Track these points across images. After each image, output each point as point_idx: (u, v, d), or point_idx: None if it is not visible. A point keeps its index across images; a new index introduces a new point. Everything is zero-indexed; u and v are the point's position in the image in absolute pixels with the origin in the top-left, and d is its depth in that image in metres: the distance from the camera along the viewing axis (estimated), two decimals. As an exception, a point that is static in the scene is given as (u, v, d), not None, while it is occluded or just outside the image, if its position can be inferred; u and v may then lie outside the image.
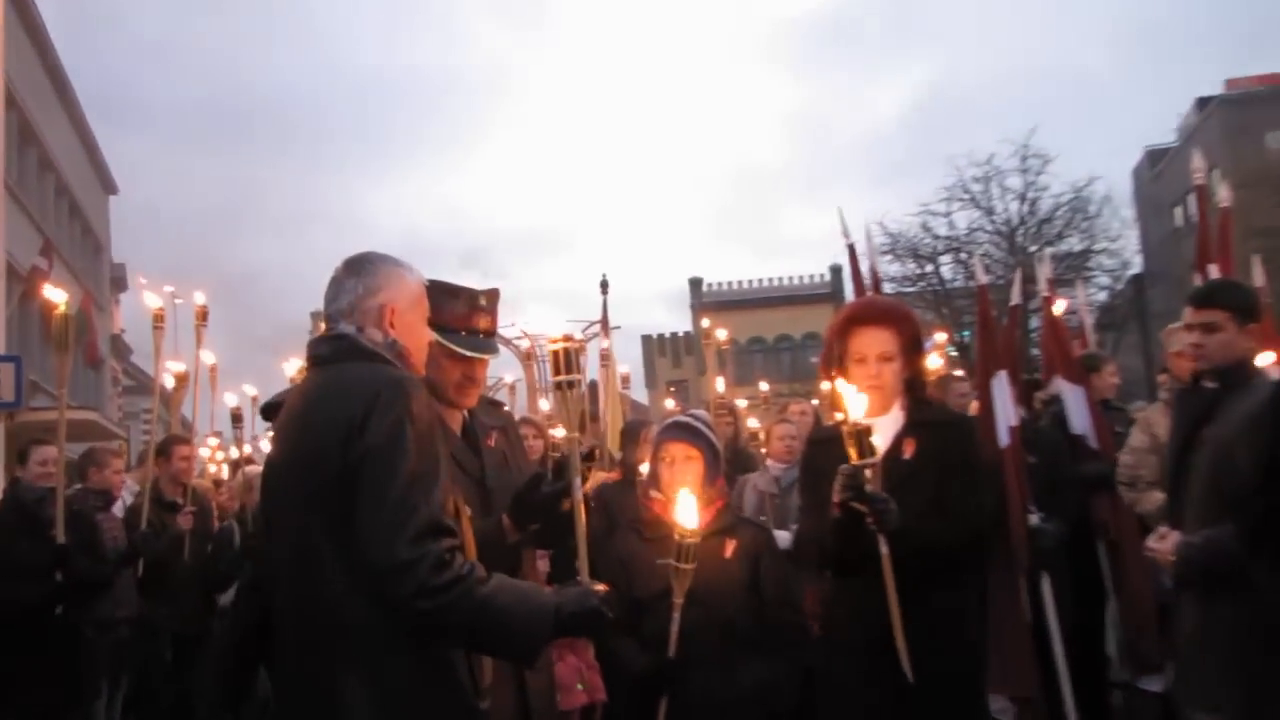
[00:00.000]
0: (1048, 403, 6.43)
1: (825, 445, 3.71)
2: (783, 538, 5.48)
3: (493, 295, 3.32)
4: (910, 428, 3.67)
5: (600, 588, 2.60)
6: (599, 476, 6.82)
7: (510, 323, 26.00)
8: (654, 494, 3.96)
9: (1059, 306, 6.90)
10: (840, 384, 3.47)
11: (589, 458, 3.14)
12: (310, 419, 2.45)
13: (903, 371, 3.72)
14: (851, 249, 6.65)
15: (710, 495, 3.89)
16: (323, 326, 2.69)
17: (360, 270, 2.66)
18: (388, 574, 2.24)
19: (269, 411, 4.04)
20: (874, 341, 3.71)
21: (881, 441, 3.57)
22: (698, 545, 3.21)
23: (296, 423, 2.51)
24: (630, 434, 6.28)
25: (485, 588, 2.34)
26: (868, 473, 3.27)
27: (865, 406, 3.48)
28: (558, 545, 3.17)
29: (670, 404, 7.98)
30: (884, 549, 3.31)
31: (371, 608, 2.30)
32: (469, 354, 3.20)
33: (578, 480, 2.82)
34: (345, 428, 2.33)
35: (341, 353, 2.57)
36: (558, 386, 2.83)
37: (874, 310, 3.92)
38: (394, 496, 2.28)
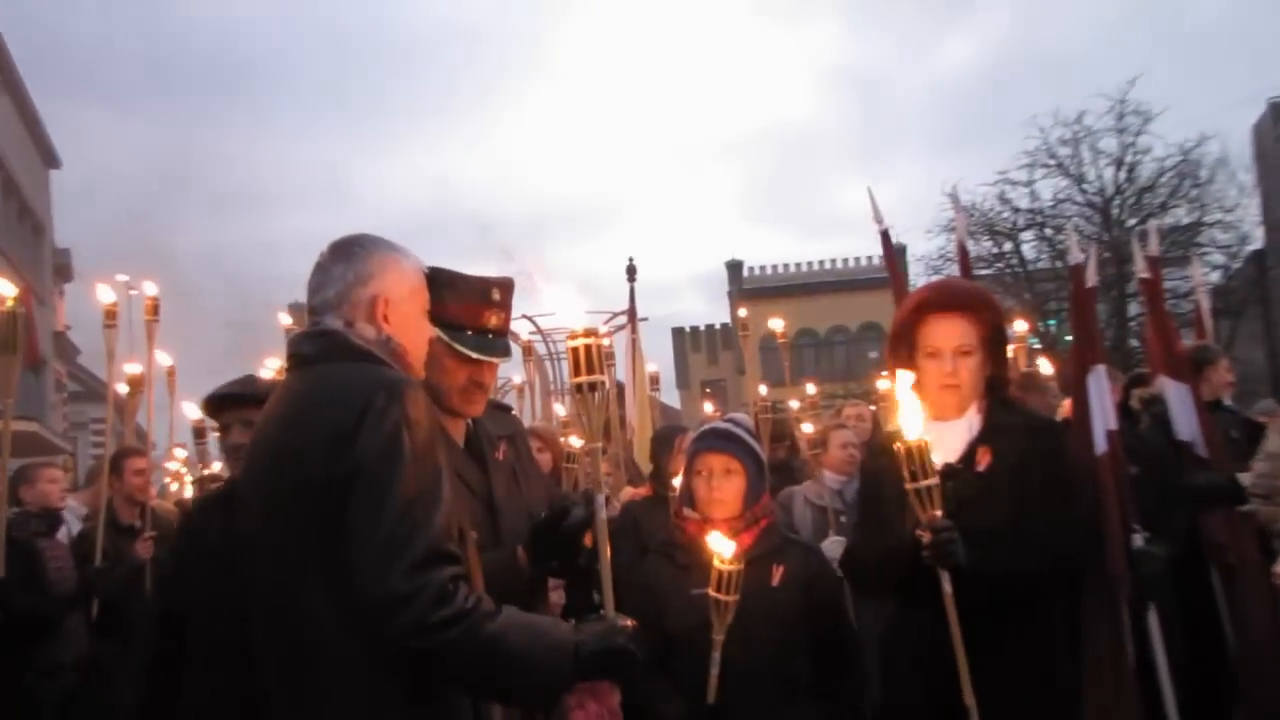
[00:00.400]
0: (1148, 403, 6.39)
1: (889, 455, 3.72)
2: (831, 547, 5.50)
3: (506, 286, 3.32)
4: (987, 434, 3.65)
5: (627, 623, 2.60)
6: (626, 492, 6.84)
7: (519, 314, 26.23)
8: (688, 513, 3.98)
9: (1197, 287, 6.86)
10: (900, 386, 3.44)
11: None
12: (291, 428, 2.46)
13: (983, 368, 3.70)
14: (885, 236, 6.56)
15: (755, 514, 3.91)
16: (305, 321, 2.71)
17: (349, 255, 2.66)
18: (380, 608, 2.24)
19: (217, 405, 4.08)
20: (950, 332, 3.69)
21: (951, 451, 3.57)
22: (740, 572, 3.22)
23: (274, 432, 2.52)
24: (663, 443, 6.28)
25: (493, 624, 2.34)
26: (927, 495, 3.26)
27: (934, 410, 3.48)
28: (576, 574, 3.19)
29: (709, 407, 7.94)
30: (946, 587, 3.28)
31: (364, 648, 2.31)
32: (477, 356, 3.21)
33: (601, 499, 2.82)
34: (332, 438, 2.34)
35: (328, 351, 2.58)
36: (578, 389, 2.80)
37: (950, 295, 3.87)
38: (389, 518, 2.28)
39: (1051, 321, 32.59)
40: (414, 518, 2.30)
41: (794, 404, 8.37)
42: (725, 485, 3.90)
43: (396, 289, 2.68)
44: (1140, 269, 6.64)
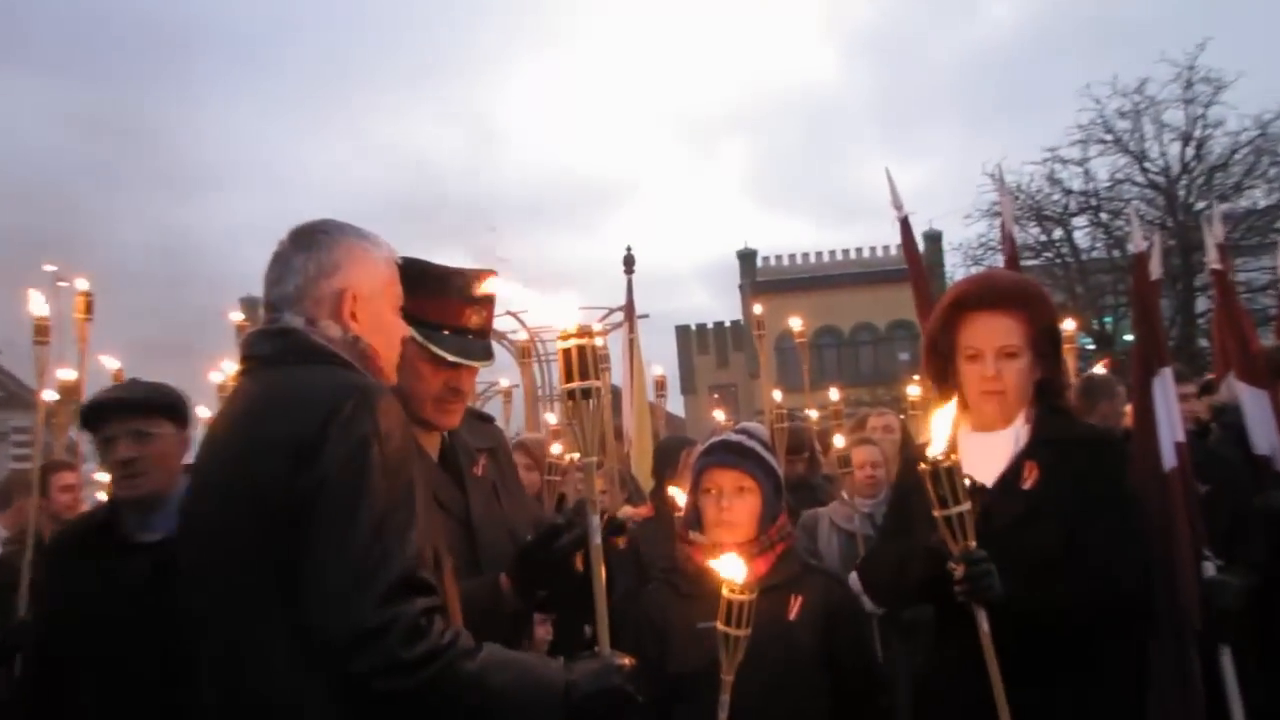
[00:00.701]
0: (1219, 412, 6.37)
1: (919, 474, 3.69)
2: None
3: (489, 281, 3.33)
4: (1035, 447, 3.62)
5: (624, 661, 2.59)
6: (624, 512, 6.82)
7: (503, 311, 26.26)
8: (695, 536, 3.97)
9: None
10: (934, 398, 3.42)
11: (617, 530, 3.15)
12: (245, 438, 2.46)
13: (1031, 371, 3.68)
14: (905, 224, 6.51)
15: (770, 538, 3.91)
16: (261, 318, 2.71)
17: (311, 244, 2.67)
18: (346, 644, 2.24)
19: (97, 415, 3.96)
20: (992, 332, 3.67)
21: (994, 467, 3.54)
22: (753, 604, 3.20)
23: (225, 443, 2.53)
24: (666, 456, 6.28)
25: (473, 662, 2.34)
26: (959, 522, 3.22)
27: (977, 419, 3.44)
28: (566, 605, 3.18)
29: (720, 415, 7.89)
30: (984, 625, 3.24)
31: (325, 691, 2.30)
32: (455, 359, 3.21)
33: (595, 520, 2.81)
34: (293, 451, 2.34)
35: (287, 352, 2.59)
36: (570, 396, 2.80)
37: (992, 289, 3.82)
38: (355, 542, 2.28)
39: (1108, 319, 32.61)
40: (384, 542, 2.30)
41: (812, 413, 8.32)
42: (737, 505, 3.90)
43: (365, 282, 2.69)
44: (1211, 258, 6.61)
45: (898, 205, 6.53)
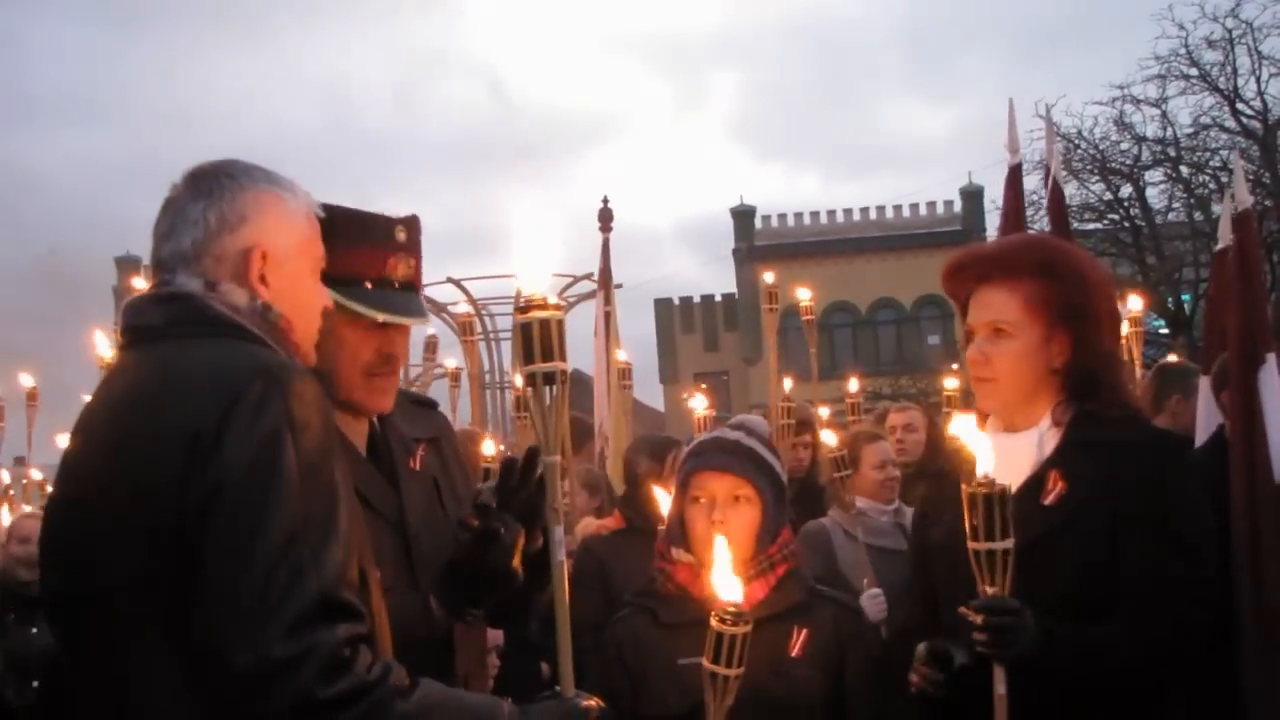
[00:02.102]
0: None
1: (941, 485, 3.74)
2: (870, 603, 5.54)
3: (413, 225, 3.36)
4: (1064, 452, 3.60)
5: (590, 704, 2.63)
6: (589, 524, 6.84)
7: (444, 278, 26.13)
8: (679, 554, 3.99)
9: None
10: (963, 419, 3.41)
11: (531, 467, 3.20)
12: (127, 428, 2.45)
13: (1040, 354, 3.65)
14: (1015, 175, 6.32)
15: (770, 557, 3.94)
16: (149, 278, 2.71)
17: (213, 189, 2.65)
18: (249, 681, 2.23)
19: None
20: (982, 305, 3.70)
21: (1013, 475, 3.48)
22: (747, 638, 3.24)
23: (103, 433, 2.51)
24: (642, 457, 6.29)
25: (407, 703, 2.35)
26: (998, 561, 3.22)
27: (996, 416, 3.47)
28: (516, 629, 3.22)
29: (700, 405, 7.80)
30: (999, 688, 3.28)
31: None
32: (384, 317, 3.23)
33: (558, 531, 2.81)
34: (186, 445, 2.32)
35: (180, 322, 2.57)
36: (530, 381, 2.79)
37: (979, 256, 3.86)
38: (263, 557, 2.27)
39: (1185, 296, 32.59)
40: (298, 557, 2.29)
41: (823, 411, 8.26)
42: (732, 518, 3.88)
43: (279, 239, 2.68)
44: None
45: (1012, 147, 6.35)
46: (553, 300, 2.79)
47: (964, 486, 3.21)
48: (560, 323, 2.80)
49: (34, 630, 6.85)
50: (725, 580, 3.23)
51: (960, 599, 3.31)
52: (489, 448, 5.45)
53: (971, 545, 3.20)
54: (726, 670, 3.18)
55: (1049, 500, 3.53)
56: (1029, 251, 3.82)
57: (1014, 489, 3.44)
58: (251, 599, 2.24)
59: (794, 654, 3.84)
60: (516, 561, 3.05)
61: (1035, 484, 3.56)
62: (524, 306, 2.78)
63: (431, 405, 3.85)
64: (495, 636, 4.10)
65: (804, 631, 3.88)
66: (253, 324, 2.60)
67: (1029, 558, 3.34)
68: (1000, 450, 3.42)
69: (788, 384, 7.97)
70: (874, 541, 6.21)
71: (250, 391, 2.35)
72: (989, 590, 3.23)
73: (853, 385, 8.35)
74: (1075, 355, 3.65)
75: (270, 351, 2.56)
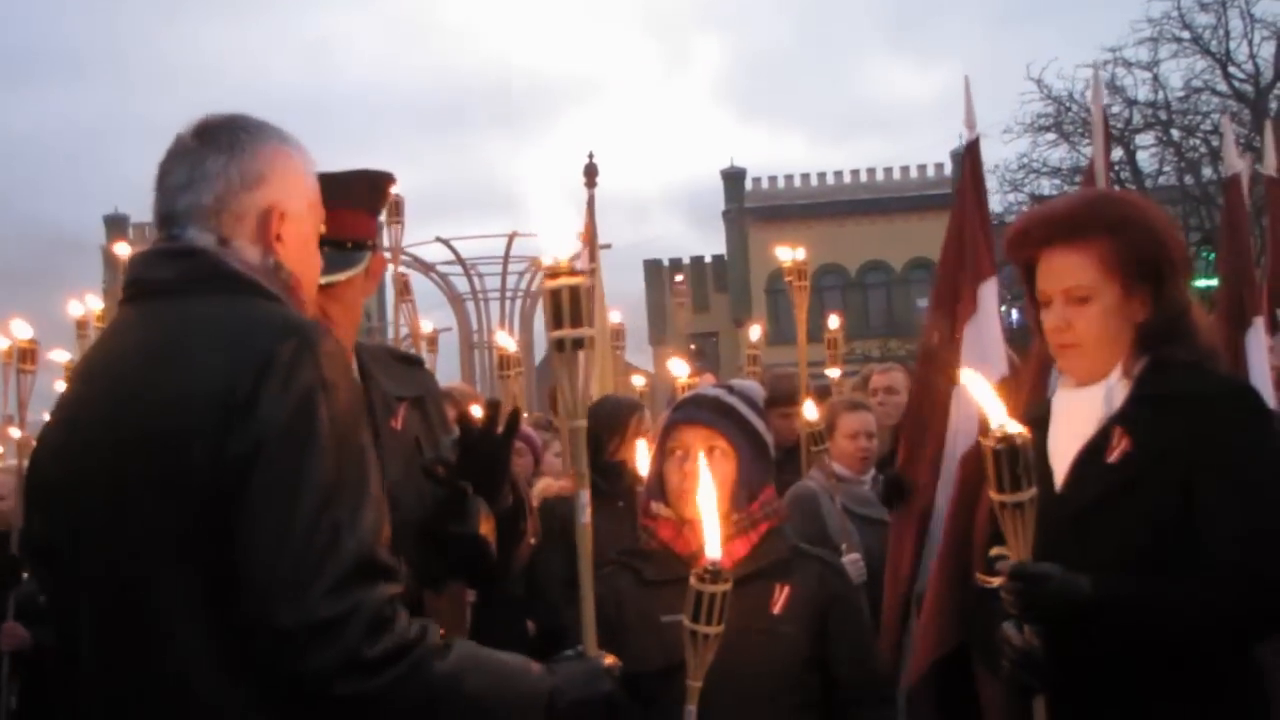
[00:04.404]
0: None
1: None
2: (853, 568, 5.54)
3: (389, 181, 3.46)
4: (1131, 408, 3.48)
5: (610, 662, 2.67)
6: (549, 485, 6.85)
7: (433, 237, 26.10)
8: (658, 509, 3.99)
9: None
10: (969, 377, 3.34)
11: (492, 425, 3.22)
12: (146, 388, 2.41)
13: (1122, 312, 3.54)
14: (974, 149, 6.12)
15: (752, 515, 3.94)
16: (121, 248, 2.68)
17: (233, 144, 2.62)
18: (294, 641, 2.22)
19: None
20: (1058, 272, 3.58)
21: (1077, 433, 3.46)
22: (727, 596, 3.23)
23: (114, 394, 2.47)
24: (605, 421, 6.26)
25: (445, 662, 2.35)
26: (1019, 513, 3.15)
27: (1067, 374, 3.45)
28: (494, 588, 3.23)
29: (679, 367, 7.77)
30: (1019, 639, 3.24)
31: (255, 700, 2.30)
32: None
33: (584, 494, 2.87)
34: (219, 405, 2.30)
35: (195, 278, 2.53)
36: (559, 346, 2.85)
37: (1050, 220, 3.73)
38: (303, 517, 2.26)
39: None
40: (336, 517, 2.29)
41: (834, 372, 8.20)
42: (711, 471, 3.76)
43: (294, 199, 2.68)
44: (1270, 165, 6.63)
45: (970, 123, 6.29)
46: (546, 260, 2.85)
47: (980, 440, 3.16)
48: (587, 289, 2.86)
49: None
50: (710, 535, 3.22)
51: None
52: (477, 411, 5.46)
53: (995, 496, 3.11)
54: (706, 628, 3.18)
55: (1112, 458, 3.43)
56: (1096, 210, 3.69)
57: (1079, 446, 3.45)
58: (293, 559, 2.24)
59: (776, 611, 3.85)
60: (485, 529, 3.05)
61: (1099, 441, 3.47)
62: (553, 272, 2.84)
63: (417, 363, 3.87)
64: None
65: (786, 589, 3.88)
66: (269, 283, 2.58)
67: (1090, 518, 3.34)
68: (1068, 407, 3.46)
69: (756, 332, 7.91)
70: (854, 508, 6.24)
71: (283, 350, 2.34)
72: (1008, 551, 3.17)
73: (833, 322, 8.26)
74: (1156, 308, 3.56)
75: (291, 310, 2.56)
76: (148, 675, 2.36)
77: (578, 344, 2.82)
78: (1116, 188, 33.90)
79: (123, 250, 7.27)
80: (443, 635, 2.39)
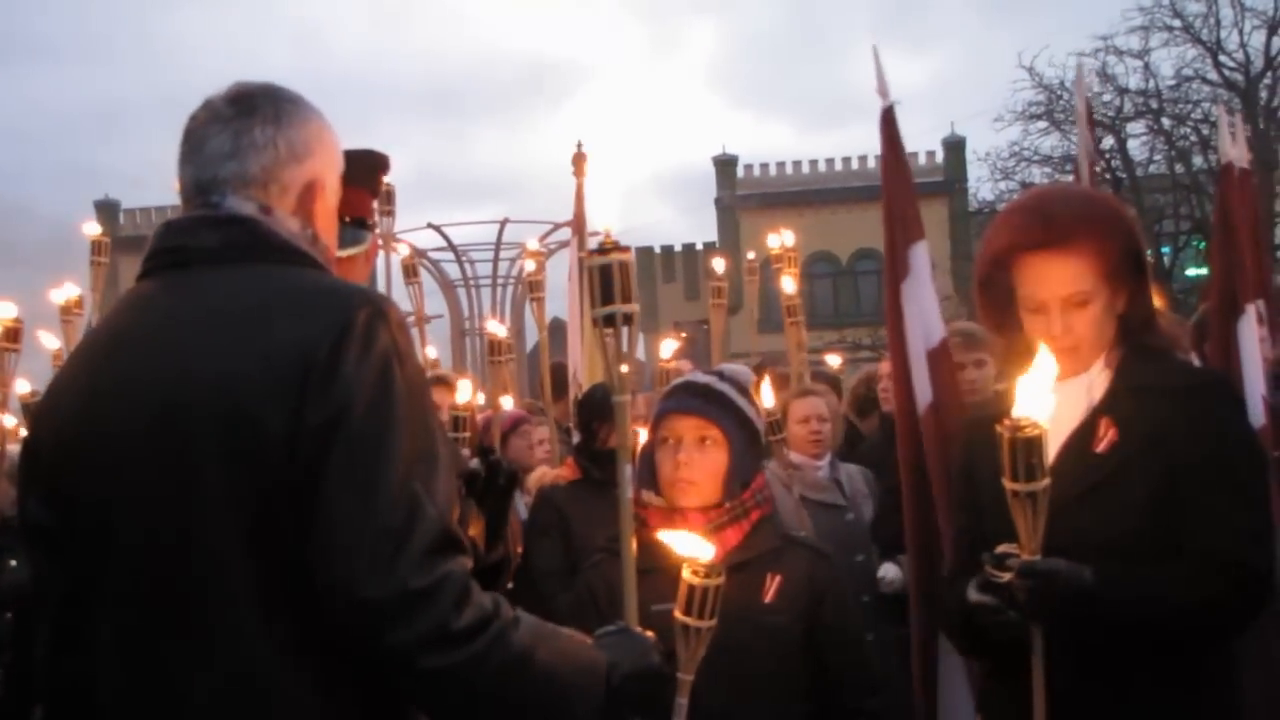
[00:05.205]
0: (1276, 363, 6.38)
1: (983, 430, 3.70)
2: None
3: (386, 164, 3.51)
4: (1114, 399, 3.55)
5: (650, 634, 2.73)
6: (545, 474, 6.84)
7: (424, 224, 26.07)
8: (650, 498, 3.99)
9: None
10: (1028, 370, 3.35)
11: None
12: (206, 355, 2.36)
13: (1111, 309, 3.60)
14: (889, 117, 6.05)
15: (743, 503, 3.94)
16: (90, 227, 2.64)
17: (279, 115, 2.60)
18: (384, 611, 2.21)
19: None
20: (1056, 279, 3.58)
21: (1063, 423, 3.45)
22: (720, 590, 3.19)
23: (160, 361, 2.40)
24: (596, 407, 6.24)
25: (519, 634, 2.36)
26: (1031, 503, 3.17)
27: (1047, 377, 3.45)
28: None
29: (668, 348, 7.73)
30: (1037, 641, 3.27)
31: (317, 682, 2.30)
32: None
33: (627, 469, 2.92)
34: (298, 368, 2.28)
35: (243, 246, 2.50)
36: (608, 323, 2.90)
37: (1049, 226, 3.67)
38: (387, 487, 2.25)
39: (1165, 249, 32.75)
40: (416, 488, 2.29)
41: (834, 360, 8.19)
42: (697, 460, 3.90)
43: (331, 173, 2.69)
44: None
45: (882, 91, 6.22)
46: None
47: (999, 428, 3.15)
48: (630, 265, 2.94)
49: (12, 563, 6.79)
50: (693, 544, 3.19)
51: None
52: (464, 395, 5.42)
53: (1010, 485, 3.14)
54: (699, 622, 3.15)
55: (1101, 448, 3.50)
56: (1092, 213, 3.71)
57: (1064, 437, 3.48)
58: (380, 530, 2.23)
59: (767, 600, 3.85)
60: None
61: (1086, 431, 3.53)
62: (602, 249, 2.90)
63: None
64: None
65: (777, 578, 3.89)
66: (314, 253, 2.59)
67: (1082, 506, 3.37)
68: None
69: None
70: (811, 495, 6.28)
71: (359, 318, 2.33)
72: (1015, 549, 3.21)
73: (788, 286, 8.14)
74: (1134, 303, 3.64)
75: (345, 281, 2.57)
76: (198, 652, 2.31)
77: (627, 318, 2.89)
78: (1108, 176, 34.22)
79: (91, 230, 7.23)
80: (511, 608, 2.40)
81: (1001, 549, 3.24)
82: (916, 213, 5.43)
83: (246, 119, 2.57)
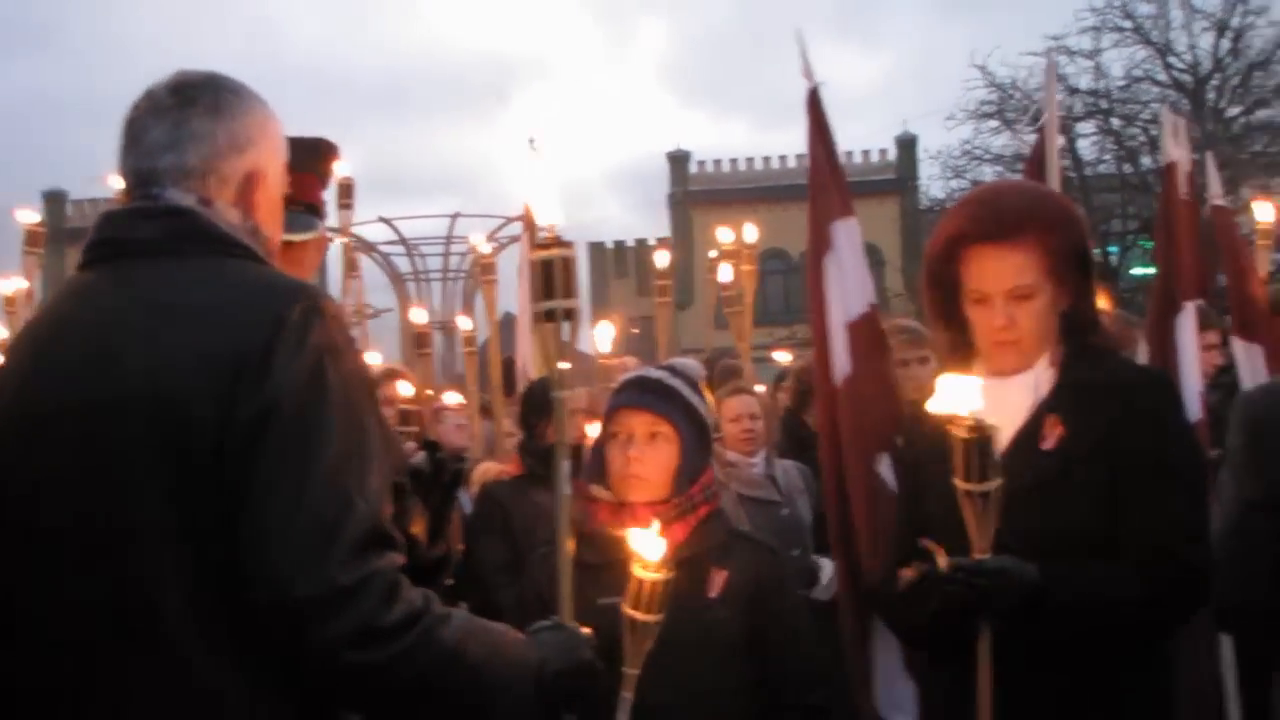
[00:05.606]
0: (1221, 371, 6.41)
1: (913, 432, 3.73)
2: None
3: (336, 152, 3.50)
4: (1060, 396, 3.57)
5: (585, 631, 2.72)
6: (488, 469, 6.86)
7: (375, 217, 26.00)
8: (597, 491, 3.99)
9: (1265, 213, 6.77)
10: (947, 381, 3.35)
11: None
12: (140, 346, 2.34)
13: (1055, 306, 3.62)
14: (814, 99, 6.03)
15: (691, 498, 3.94)
16: (26, 215, 2.61)
17: (220, 107, 2.58)
18: (313, 608, 2.19)
19: None
20: (1001, 271, 3.60)
21: (1009, 421, 3.48)
22: (668, 584, 3.20)
23: (95, 351, 2.38)
24: (537, 402, 6.25)
25: (449, 630, 2.35)
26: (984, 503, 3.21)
27: (991, 362, 3.46)
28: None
29: (604, 335, 7.75)
30: (984, 638, 3.29)
31: (250, 677, 2.28)
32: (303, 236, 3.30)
33: (566, 465, 2.89)
34: (230, 364, 2.27)
35: (184, 238, 2.48)
36: (547, 317, 2.88)
37: (997, 219, 3.71)
38: (317, 483, 2.24)
39: (1113, 248, 32.89)
40: (348, 483, 2.28)
41: (783, 356, 8.20)
42: (648, 455, 3.90)
43: (273, 164, 2.67)
44: (1214, 194, 6.66)
45: (807, 74, 6.20)
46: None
47: (950, 428, 3.19)
48: (572, 261, 2.92)
49: None
50: (646, 540, 3.20)
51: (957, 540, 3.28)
52: (405, 389, 5.42)
53: (963, 485, 3.18)
54: (646, 616, 3.18)
55: (1048, 445, 3.51)
56: (1040, 207, 3.76)
57: (1011, 434, 3.49)
58: (309, 526, 2.22)
59: (712, 595, 3.86)
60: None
61: (1033, 428, 3.55)
62: (543, 243, 2.88)
63: None
64: None
65: (723, 573, 3.90)
66: (255, 245, 2.56)
67: (1030, 503, 3.37)
68: (993, 396, 3.41)
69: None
70: (746, 492, 6.32)
71: (293, 314, 2.32)
72: (974, 545, 3.23)
73: (724, 275, 8.17)
74: (1075, 299, 3.66)
75: (285, 274, 2.54)
76: (128, 648, 2.29)
77: (568, 314, 2.87)
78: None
79: (27, 219, 7.11)
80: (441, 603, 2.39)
81: (927, 545, 3.25)
82: (843, 192, 5.49)
83: (186, 109, 2.55)
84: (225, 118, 2.56)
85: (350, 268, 9.86)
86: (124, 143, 2.59)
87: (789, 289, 51.07)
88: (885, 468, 4.85)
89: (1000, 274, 3.59)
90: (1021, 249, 3.59)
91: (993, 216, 3.71)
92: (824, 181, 5.52)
